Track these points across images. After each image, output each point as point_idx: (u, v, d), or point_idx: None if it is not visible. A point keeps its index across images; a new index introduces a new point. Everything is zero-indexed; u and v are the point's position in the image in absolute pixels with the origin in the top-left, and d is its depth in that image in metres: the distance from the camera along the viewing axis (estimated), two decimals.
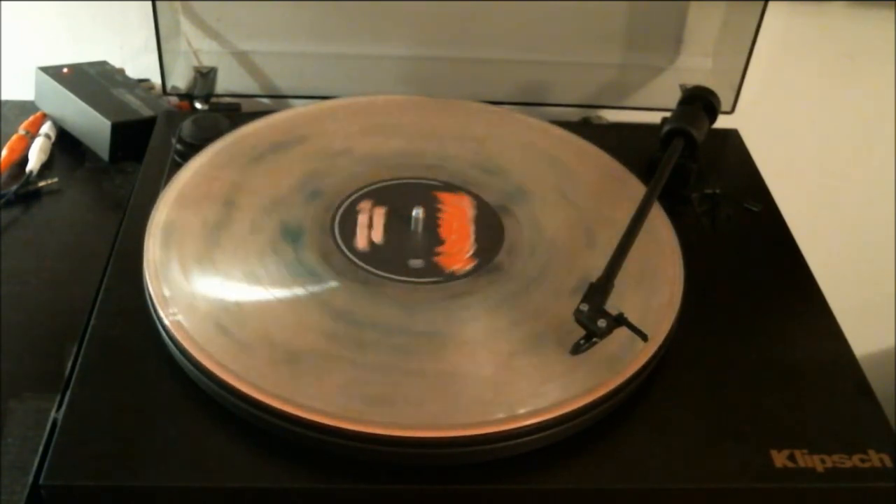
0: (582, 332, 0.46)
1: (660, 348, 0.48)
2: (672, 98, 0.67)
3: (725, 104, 0.70)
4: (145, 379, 0.47)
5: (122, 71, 0.75)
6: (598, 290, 0.47)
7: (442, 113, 0.67)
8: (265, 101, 0.80)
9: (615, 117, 0.80)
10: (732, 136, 0.73)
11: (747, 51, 0.72)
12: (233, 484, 0.43)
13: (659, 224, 0.57)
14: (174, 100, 0.74)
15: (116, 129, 0.67)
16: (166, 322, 0.47)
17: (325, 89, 0.75)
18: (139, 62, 0.79)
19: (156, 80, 0.74)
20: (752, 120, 0.76)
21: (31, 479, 0.44)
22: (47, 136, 0.69)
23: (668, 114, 0.65)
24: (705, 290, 0.55)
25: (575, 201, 0.59)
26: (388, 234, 0.55)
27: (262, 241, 0.53)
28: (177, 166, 0.60)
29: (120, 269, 0.54)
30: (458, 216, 0.57)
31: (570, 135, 0.66)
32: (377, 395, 0.45)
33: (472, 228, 0.56)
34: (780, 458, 0.46)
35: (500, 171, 0.61)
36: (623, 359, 0.47)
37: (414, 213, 0.55)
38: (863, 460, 0.46)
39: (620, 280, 0.49)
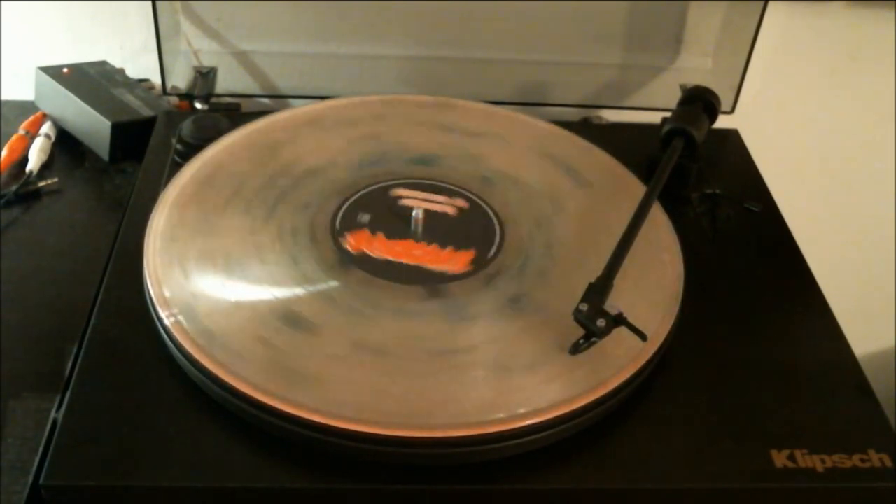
0: (581, 332, 0.46)
1: (660, 348, 0.48)
2: (672, 98, 0.67)
3: (725, 104, 0.70)
4: (145, 379, 0.47)
5: (122, 71, 0.75)
6: (598, 290, 0.47)
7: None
8: (265, 101, 0.80)
9: (615, 117, 0.80)
10: (732, 136, 0.73)
11: (747, 51, 0.72)
12: (232, 484, 0.43)
13: (659, 224, 0.57)
14: (174, 100, 0.74)
15: (116, 129, 0.67)
16: (166, 322, 0.47)
17: (325, 89, 0.75)
18: (139, 62, 0.79)
19: (156, 80, 0.74)
20: (752, 120, 0.76)
21: (31, 479, 0.44)
22: (47, 136, 0.69)
23: (668, 114, 0.65)
24: (705, 290, 0.55)
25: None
26: (398, 212, 0.56)
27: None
28: (177, 166, 0.60)
29: (120, 269, 0.54)
30: (451, 258, 0.54)
31: (570, 135, 0.66)
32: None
33: (433, 264, 0.53)
34: (780, 458, 0.46)
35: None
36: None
37: (414, 213, 0.55)
38: (863, 460, 0.46)
39: (620, 280, 0.49)
